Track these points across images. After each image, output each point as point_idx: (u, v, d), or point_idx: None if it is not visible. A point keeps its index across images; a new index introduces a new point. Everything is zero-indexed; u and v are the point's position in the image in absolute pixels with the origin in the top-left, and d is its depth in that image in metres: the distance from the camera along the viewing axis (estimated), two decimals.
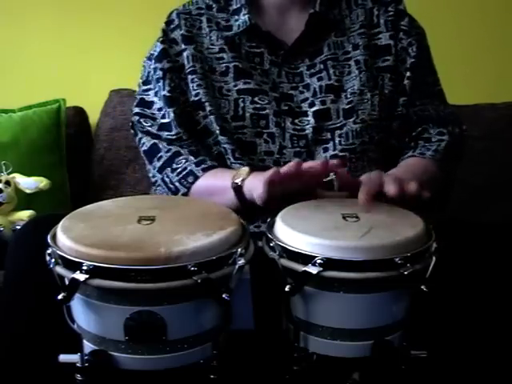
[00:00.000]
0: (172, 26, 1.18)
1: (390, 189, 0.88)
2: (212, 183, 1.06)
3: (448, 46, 1.82)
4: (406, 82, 1.14)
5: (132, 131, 1.20)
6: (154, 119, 1.15)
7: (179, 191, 1.10)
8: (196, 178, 1.08)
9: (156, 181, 1.14)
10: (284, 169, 0.90)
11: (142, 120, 1.16)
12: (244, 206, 0.98)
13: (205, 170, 1.08)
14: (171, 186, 1.11)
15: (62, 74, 1.91)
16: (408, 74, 1.15)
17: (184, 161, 1.11)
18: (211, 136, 1.12)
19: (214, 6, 1.19)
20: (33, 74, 1.91)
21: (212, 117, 1.10)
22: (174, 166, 1.11)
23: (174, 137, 1.13)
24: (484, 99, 1.79)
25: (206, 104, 1.11)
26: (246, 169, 1.01)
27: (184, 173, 1.09)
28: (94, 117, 1.88)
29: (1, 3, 1.89)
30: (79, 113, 1.88)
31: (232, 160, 1.09)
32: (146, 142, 1.16)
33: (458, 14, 1.88)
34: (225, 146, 1.10)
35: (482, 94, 1.82)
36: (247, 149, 1.10)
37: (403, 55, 1.15)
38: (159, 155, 1.14)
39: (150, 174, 1.16)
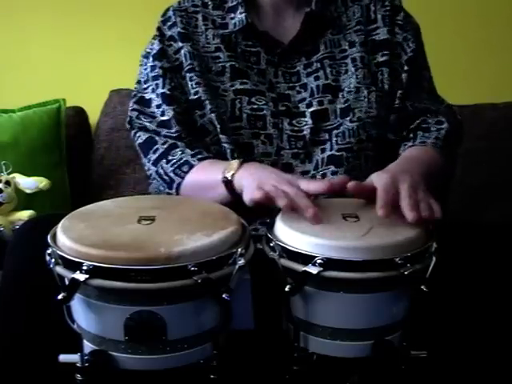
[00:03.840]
0: (169, 24, 1.17)
1: (409, 215, 0.82)
2: (204, 177, 1.04)
3: (448, 46, 1.82)
4: (403, 75, 1.14)
5: (128, 126, 1.18)
6: (154, 117, 1.14)
7: (174, 182, 1.07)
8: (191, 166, 1.06)
9: (151, 174, 1.13)
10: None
11: (141, 116, 1.15)
12: (236, 200, 0.96)
13: (200, 160, 1.07)
14: (166, 177, 1.09)
15: (62, 74, 1.91)
16: (405, 68, 1.14)
17: (180, 152, 1.09)
18: (209, 135, 1.11)
19: (209, 3, 1.18)
20: (33, 74, 1.91)
21: (213, 115, 1.09)
22: (170, 157, 1.09)
23: (174, 134, 1.11)
24: (484, 99, 1.79)
25: (207, 102, 1.10)
26: (236, 162, 0.99)
27: (179, 163, 1.08)
28: (93, 117, 1.88)
29: (1, 3, 1.89)
30: (79, 113, 1.88)
31: (230, 160, 1.08)
32: (142, 136, 1.15)
33: (459, 13, 1.88)
34: (224, 145, 1.09)
35: (482, 93, 1.82)
36: (244, 150, 1.09)
37: (398, 50, 1.15)
38: (155, 147, 1.12)
39: (146, 168, 1.15)
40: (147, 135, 1.14)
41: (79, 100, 1.88)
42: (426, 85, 1.19)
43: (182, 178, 1.07)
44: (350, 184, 0.87)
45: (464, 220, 1.09)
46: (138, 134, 1.16)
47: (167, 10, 1.19)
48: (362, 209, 0.87)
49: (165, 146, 1.11)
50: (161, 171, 1.10)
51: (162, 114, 1.13)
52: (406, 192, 0.84)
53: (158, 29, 1.18)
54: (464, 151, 1.26)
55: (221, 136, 1.09)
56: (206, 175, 1.04)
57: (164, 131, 1.12)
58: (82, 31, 1.90)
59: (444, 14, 1.86)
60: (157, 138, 1.12)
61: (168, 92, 1.13)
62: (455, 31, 1.87)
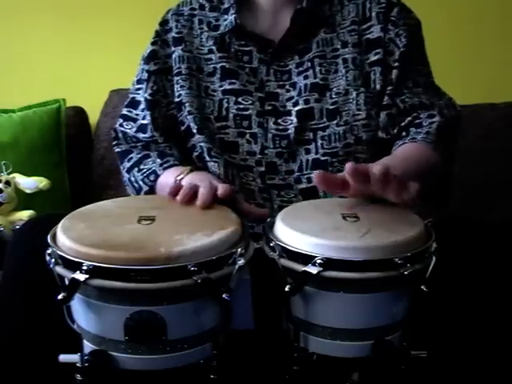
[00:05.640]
0: (166, 28, 1.19)
1: (376, 167, 0.83)
2: (163, 180, 1.10)
3: (448, 46, 1.83)
4: (393, 71, 1.12)
5: (113, 134, 1.23)
6: (135, 120, 1.19)
7: (142, 189, 1.13)
8: (157, 176, 1.11)
9: (124, 180, 1.19)
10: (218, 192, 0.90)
11: (124, 123, 1.20)
12: None
13: (165, 169, 1.11)
14: (136, 184, 1.14)
15: (62, 74, 1.91)
16: (396, 64, 1.12)
17: (151, 162, 1.14)
18: (194, 136, 1.13)
19: (206, 5, 1.19)
20: (33, 74, 1.91)
21: (190, 117, 1.12)
22: (142, 166, 1.15)
23: (149, 139, 1.16)
24: (484, 99, 1.79)
25: (186, 104, 1.12)
26: (187, 167, 1.05)
27: (148, 172, 1.13)
28: (93, 117, 1.88)
29: (1, 3, 1.89)
30: (79, 113, 1.88)
31: (207, 158, 1.10)
32: (122, 146, 1.21)
33: (458, 13, 1.88)
34: (201, 144, 1.11)
35: (482, 94, 1.83)
36: (229, 149, 1.11)
37: (391, 47, 1.13)
38: (130, 156, 1.18)
39: (122, 174, 1.21)
40: (126, 147, 1.20)
41: (79, 100, 1.88)
42: (422, 79, 1.16)
43: (149, 186, 1.12)
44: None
45: (464, 217, 1.08)
46: (118, 144, 1.22)
47: (166, 13, 1.21)
48: (361, 209, 0.87)
49: (139, 156, 1.17)
50: (132, 179, 1.16)
51: (144, 118, 1.17)
52: (376, 163, 0.87)
53: (156, 32, 1.20)
54: (463, 151, 1.26)
55: (197, 136, 1.11)
56: (165, 179, 1.09)
57: (141, 135, 1.17)
58: (82, 31, 1.91)
59: (443, 13, 1.86)
60: (133, 150, 1.19)
61: (149, 97, 1.16)
62: (454, 30, 1.88)
